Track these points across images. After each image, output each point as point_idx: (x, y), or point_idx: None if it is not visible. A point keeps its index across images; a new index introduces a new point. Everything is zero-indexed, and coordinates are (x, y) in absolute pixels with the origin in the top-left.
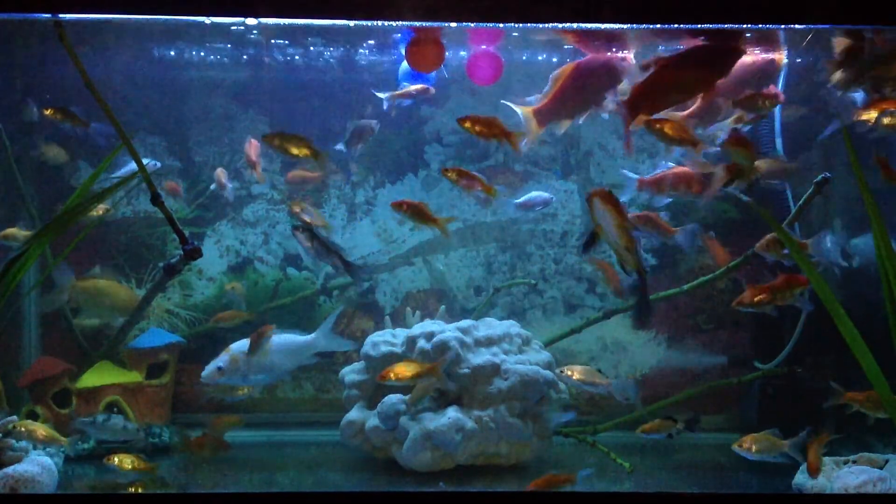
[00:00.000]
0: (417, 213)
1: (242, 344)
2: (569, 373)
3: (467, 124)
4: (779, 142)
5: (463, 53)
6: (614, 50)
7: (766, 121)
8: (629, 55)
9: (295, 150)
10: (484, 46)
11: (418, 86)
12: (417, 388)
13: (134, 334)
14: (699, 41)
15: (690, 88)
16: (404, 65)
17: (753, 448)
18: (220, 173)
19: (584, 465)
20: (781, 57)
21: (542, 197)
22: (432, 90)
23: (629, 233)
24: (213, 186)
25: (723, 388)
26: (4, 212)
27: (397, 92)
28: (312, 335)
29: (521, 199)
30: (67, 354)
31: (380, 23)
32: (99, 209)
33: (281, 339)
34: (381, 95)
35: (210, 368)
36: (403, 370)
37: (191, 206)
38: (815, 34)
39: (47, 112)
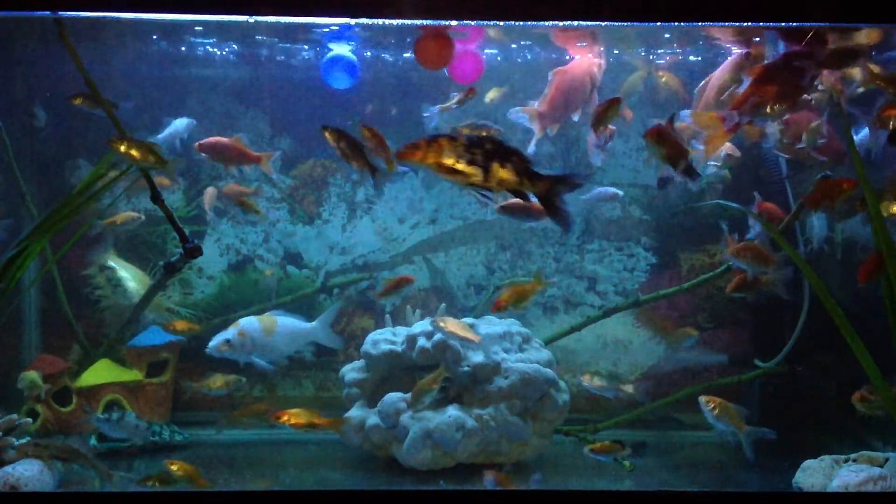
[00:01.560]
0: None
1: (251, 320)
2: (442, 324)
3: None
4: None
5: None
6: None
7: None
8: (601, 60)
9: (138, 156)
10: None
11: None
12: (417, 387)
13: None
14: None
15: (788, 96)
16: (326, 57)
17: (716, 411)
18: (208, 195)
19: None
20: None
21: (609, 192)
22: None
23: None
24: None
25: (723, 387)
26: (5, 210)
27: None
28: (313, 324)
29: (587, 196)
30: (67, 353)
31: (381, 22)
32: (131, 215)
33: (285, 321)
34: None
35: (217, 340)
36: (296, 418)
37: (191, 205)
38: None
39: (77, 101)
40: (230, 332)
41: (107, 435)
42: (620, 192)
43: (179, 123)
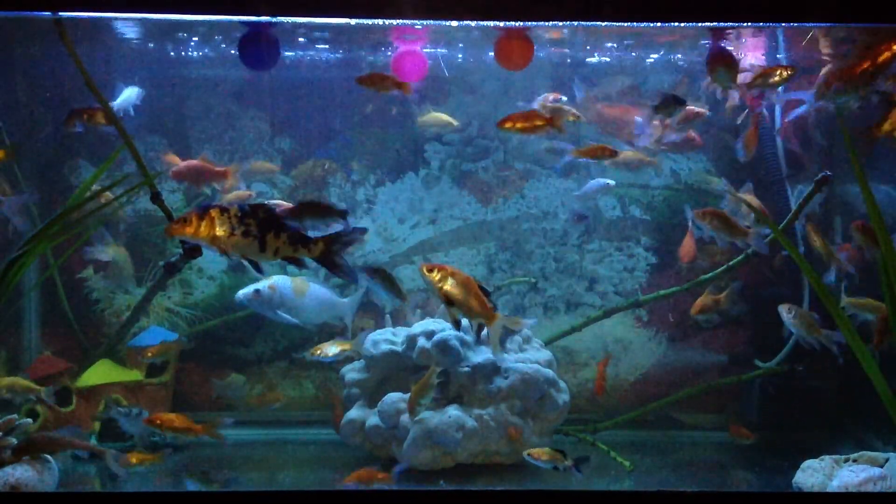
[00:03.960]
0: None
1: (284, 278)
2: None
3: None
4: (779, 140)
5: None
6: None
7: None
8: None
9: None
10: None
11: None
12: (412, 394)
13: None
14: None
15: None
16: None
17: (795, 318)
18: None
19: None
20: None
21: (601, 183)
22: None
23: None
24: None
25: (723, 387)
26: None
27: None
28: (343, 299)
29: (581, 192)
30: (67, 353)
31: (381, 21)
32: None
33: (317, 287)
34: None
35: (248, 290)
36: (171, 423)
37: (190, 205)
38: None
39: (83, 116)
40: (262, 284)
41: (124, 430)
42: (612, 182)
43: (130, 92)
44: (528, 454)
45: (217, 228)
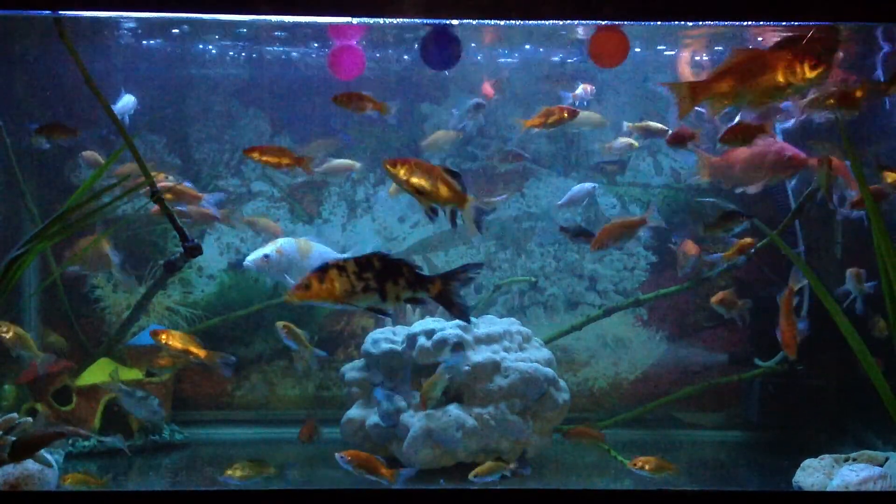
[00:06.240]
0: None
1: (290, 241)
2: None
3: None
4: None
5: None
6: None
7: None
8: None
9: None
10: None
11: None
12: (425, 386)
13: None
14: None
15: None
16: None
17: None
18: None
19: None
20: None
21: (585, 188)
22: None
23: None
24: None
25: (723, 386)
26: (5, 209)
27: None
28: (349, 254)
29: (564, 199)
30: (68, 352)
31: (381, 20)
32: None
33: (321, 248)
34: None
35: (257, 255)
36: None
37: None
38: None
39: (43, 132)
40: (269, 249)
41: (126, 410)
42: (595, 185)
43: (128, 100)
44: (474, 475)
45: (338, 288)
